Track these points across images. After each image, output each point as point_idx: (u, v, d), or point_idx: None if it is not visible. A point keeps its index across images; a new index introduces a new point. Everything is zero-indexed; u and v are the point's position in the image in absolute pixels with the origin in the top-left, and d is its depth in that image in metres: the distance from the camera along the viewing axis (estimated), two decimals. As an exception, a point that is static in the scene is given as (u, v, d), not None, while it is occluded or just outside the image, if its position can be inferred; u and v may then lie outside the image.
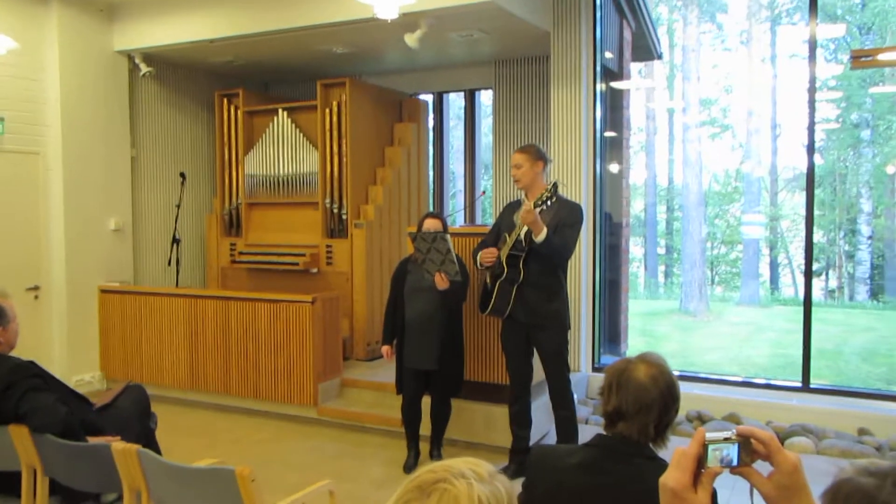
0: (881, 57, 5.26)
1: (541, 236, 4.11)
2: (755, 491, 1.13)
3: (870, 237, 15.76)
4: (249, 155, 7.24)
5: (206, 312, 6.17)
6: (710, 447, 1.10)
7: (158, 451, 3.45)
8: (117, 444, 2.70)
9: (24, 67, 6.24)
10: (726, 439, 1.11)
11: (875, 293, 15.78)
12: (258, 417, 5.95)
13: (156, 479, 2.66)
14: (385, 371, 5.84)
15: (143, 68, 6.89)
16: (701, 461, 1.10)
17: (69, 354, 6.49)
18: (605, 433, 1.94)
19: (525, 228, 4.19)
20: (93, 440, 3.02)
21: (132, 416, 3.58)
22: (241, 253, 7.26)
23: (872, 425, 5.16)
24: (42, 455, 2.99)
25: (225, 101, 7.36)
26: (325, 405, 5.76)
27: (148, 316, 6.45)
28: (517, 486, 2.04)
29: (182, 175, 7.42)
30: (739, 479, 1.13)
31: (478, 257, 4.49)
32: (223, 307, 6.10)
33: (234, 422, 5.88)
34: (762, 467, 1.13)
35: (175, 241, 7.14)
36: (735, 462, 1.11)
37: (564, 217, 4.26)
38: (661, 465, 1.77)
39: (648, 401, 1.84)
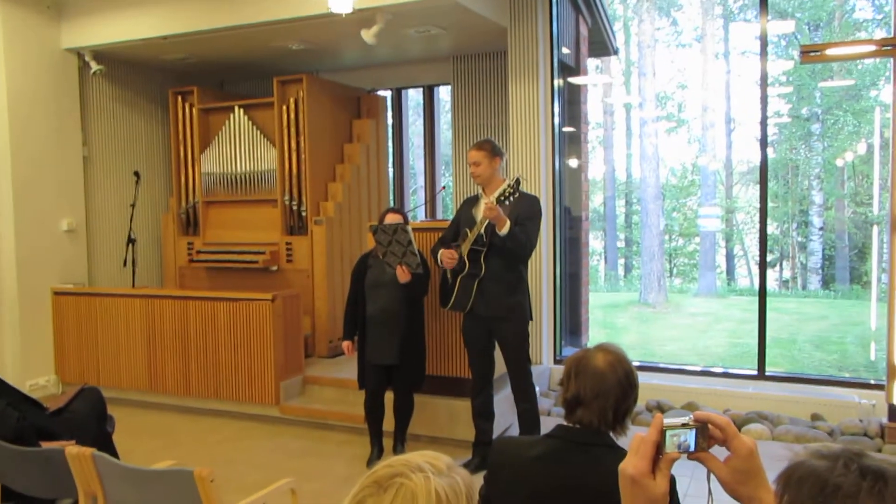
0: (829, 52, 5.39)
1: (504, 229, 4.14)
2: (712, 476, 1.15)
3: (821, 228, 16.17)
4: (206, 153, 7.13)
5: (164, 313, 6.06)
6: (668, 433, 1.11)
7: (116, 455, 3.39)
8: (71, 449, 2.64)
9: (-31, 65, 6.06)
10: (684, 425, 1.13)
11: (827, 282, 16.20)
12: (219, 417, 5.87)
13: (112, 482, 2.61)
14: (347, 367, 5.81)
15: (94, 66, 6.74)
16: (659, 447, 1.11)
17: (22, 358, 6.32)
18: (565, 423, 1.95)
19: (486, 223, 4.21)
20: (46, 445, 2.95)
21: (87, 419, 3.50)
22: (198, 252, 7.15)
23: (825, 411, 5.29)
24: (-6, 462, 2.91)
25: (179, 98, 7.24)
26: (287, 403, 5.71)
27: (104, 317, 6.32)
28: (479, 478, 2.05)
29: (136, 174, 7.27)
30: (698, 467, 1.14)
31: (438, 256, 4.49)
32: (181, 307, 6.00)
33: (194, 422, 5.80)
34: (719, 453, 1.14)
35: (130, 241, 6.99)
36: (692, 447, 1.13)
37: (523, 210, 4.28)
38: (622, 454, 1.79)
39: (606, 386, 1.87)
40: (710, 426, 1.14)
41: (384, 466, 1.04)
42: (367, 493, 1.01)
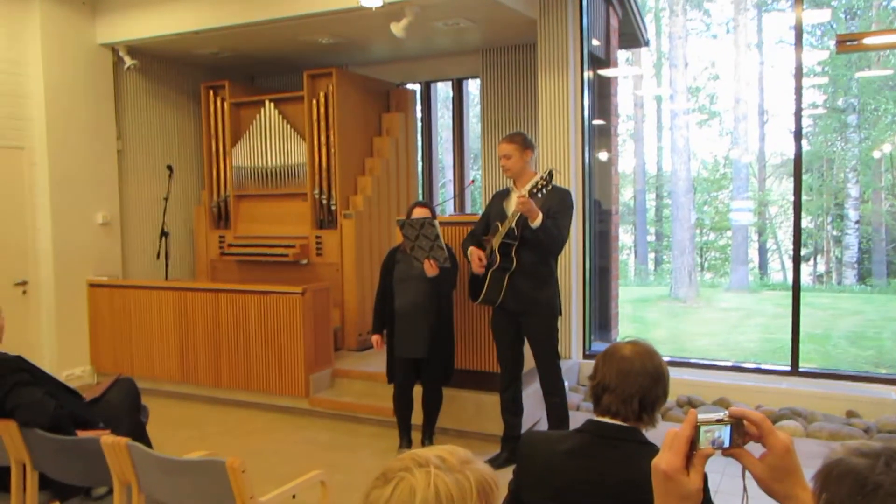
0: (867, 41, 5.27)
1: (537, 222, 4.10)
2: (747, 473, 1.13)
3: (857, 222, 15.86)
4: (237, 147, 7.20)
5: (196, 305, 6.14)
6: (702, 429, 1.10)
7: (149, 444, 3.44)
8: (107, 438, 2.68)
9: (7, 62, 6.17)
10: (718, 421, 1.11)
11: (863, 277, 15.89)
12: (250, 409, 5.94)
13: (146, 471, 2.65)
14: (377, 361, 5.84)
15: (128, 61, 6.83)
16: (693, 443, 1.09)
17: (59, 349, 6.45)
18: (595, 418, 1.94)
19: (517, 217, 4.18)
20: (82, 434, 3.00)
21: (122, 409, 3.56)
22: (230, 245, 7.22)
23: (860, 408, 5.20)
24: (31, 450, 2.97)
25: (211, 92, 7.31)
26: (316, 396, 5.76)
27: (137, 309, 6.42)
28: (508, 473, 2.04)
29: (169, 168, 7.37)
30: (730, 463, 1.13)
31: (468, 253, 4.46)
32: (213, 300, 6.07)
33: (225, 414, 5.87)
34: (754, 450, 1.13)
35: (163, 234, 7.10)
36: (727, 443, 1.11)
37: (554, 204, 4.25)
38: (653, 450, 1.76)
39: (632, 372, 1.86)
40: (745, 422, 1.12)
41: (397, 459, 1.04)
42: (375, 484, 1.02)
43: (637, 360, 1.88)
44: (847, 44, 5.19)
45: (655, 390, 1.87)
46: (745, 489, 1.17)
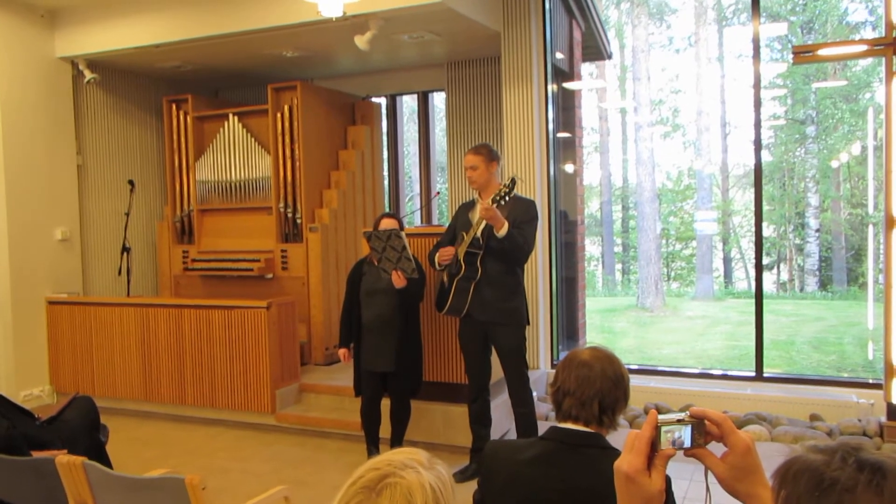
0: (821, 52, 5.39)
1: (503, 231, 4.11)
2: (710, 473, 1.13)
3: (817, 230, 16.17)
4: (200, 161, 7.11)
5: (159, 321, 6.03)
6: (663, 429, 1.09)
7: (109, 464, 3.35)
8: (62, 458, 2.61)
9: (-39, 74, 6.04)
10: (679, 421, 1.10)
11: (824, 284, 16.19)
12: (215, 426, 5.83)
13: (103, 491, 2.58)
14: (344, 375, 5.78)
15: (88, 75, 6.72)
16: (654, 444, 1.09)
17: (16, 369, 6.28)
18: (558, 425, 1.93)
19: (482, 226, 4.19)
20: (37, 454, 2.92)
21: (80, 428, 3.47)
22: (193, 260, 7.12)
23: (823, 411, 5.27)
24: (-16, 472, 2.87)
25: (173, 106, 7.22)
26: (283, 411, 5.68)
27: (99, 327, 6.29)
28: (476, 485, 2.02)
29: (131, 182, 7.25)
30: (699, 469, 1.12)
31: (434, 258, 4.47)
32: (176, 315, 5.97)
33: (190, 432, 5.76)
34: (717, 450, 1.12)
35: (125, 249, 6.97)
36: (688, 443, 1.10)
37: (520, 214, 4.27)
38: (616, 455, 1.76)
39: (590, 376, 1.87)
40: (706, 422, 1.11)
41: (369, 470, 1.03)
42: (360, 499, 1.00)
43: (596, 364, 1.88)
44: (802, 55, 5.30)
45: (615, 393, 1.88)
46: (707, 489, 1.17)
